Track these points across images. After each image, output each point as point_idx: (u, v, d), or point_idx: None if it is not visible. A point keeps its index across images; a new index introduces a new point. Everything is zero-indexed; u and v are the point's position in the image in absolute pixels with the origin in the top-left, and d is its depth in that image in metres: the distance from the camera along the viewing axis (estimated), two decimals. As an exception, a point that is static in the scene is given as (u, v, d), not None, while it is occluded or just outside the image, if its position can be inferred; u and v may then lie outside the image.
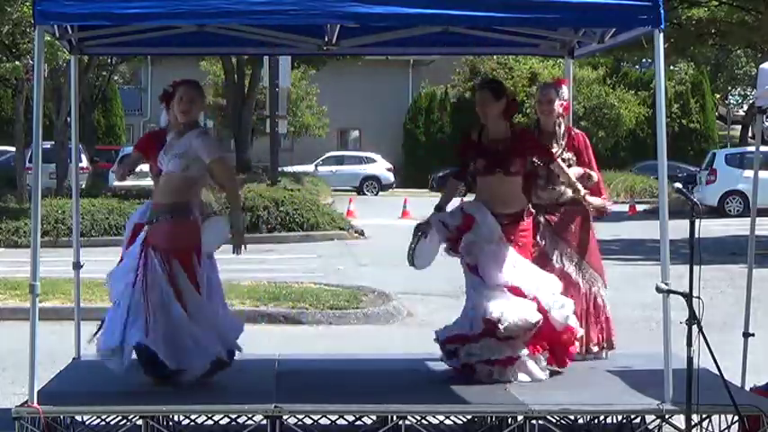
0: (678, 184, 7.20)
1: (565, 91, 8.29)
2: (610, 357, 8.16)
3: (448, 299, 13.79)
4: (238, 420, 7.48)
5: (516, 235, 7.59)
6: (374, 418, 7.39)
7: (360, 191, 46.58)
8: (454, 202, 7.80)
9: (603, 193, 8.37)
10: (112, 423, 7.11)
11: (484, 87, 7.80)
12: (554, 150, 8.16)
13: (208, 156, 7.39)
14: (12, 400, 7.62)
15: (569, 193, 8.14)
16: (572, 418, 7.48)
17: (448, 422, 7.56)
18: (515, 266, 7.50)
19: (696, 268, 6.26)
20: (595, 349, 8.16)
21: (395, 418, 6.79)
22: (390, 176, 48.73)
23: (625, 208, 33.55)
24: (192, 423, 7.60)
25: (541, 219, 8.14)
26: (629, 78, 53.51)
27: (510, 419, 6.66)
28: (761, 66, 8.18)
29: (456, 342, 7.54)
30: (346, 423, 7.60)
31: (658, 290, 6.45)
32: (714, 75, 60.59)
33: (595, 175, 8.27)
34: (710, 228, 23.68)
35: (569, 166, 8.17)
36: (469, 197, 7.77)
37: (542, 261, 8.02)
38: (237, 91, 37.76)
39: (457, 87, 54.27)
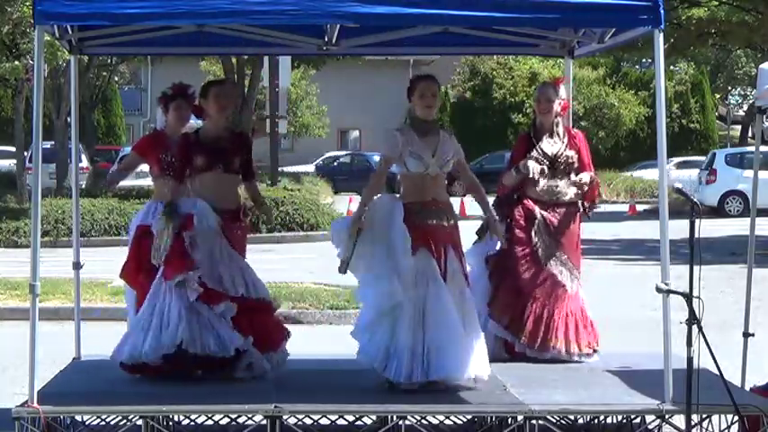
0: (678, 185, 7.22)
1: (563, 90, 8.32)
2: (603, 358, 8.16)
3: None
4: (238, 420, 7.48)
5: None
6: (374, 418, 7.39)
7: (360, 191, 46.47)
8: None
9: (597, 190, 8.45)
10: (112, 423, 7.11)
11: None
12: (557, 147, 8.20)
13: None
14: (12, 400, 7.61)
15: (571, 193, 8.20)
16: (572, 418, 7.48)
17: (448, 422, 7.56)
18: None
19: (696, 268, 6.26)
20: (586, 351, 8.16)
21: (395, 418, 6.80)
22: (390, 176, 48.62)
23: (625, 208, 33.55)
24: (192, 423, 7.60)
25: (538, 215, 8.17)
26: (629, 78, 53.50)
27: (510, 419, 6.65)
28: (761, 66, 8.18)
29: None
30: (346, 423, 7.60)
31: (658, 290, 6.45)
32: (714, 75, 60.60)
33: (593, 176, 8.32)
34: (710, 228, 23.67)
35: (571, 163, 8.23)
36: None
37: (532, 260, 8.12)
38: (237, 92, 37.76)
39: (457, 87, 54.26)
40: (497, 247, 8.16)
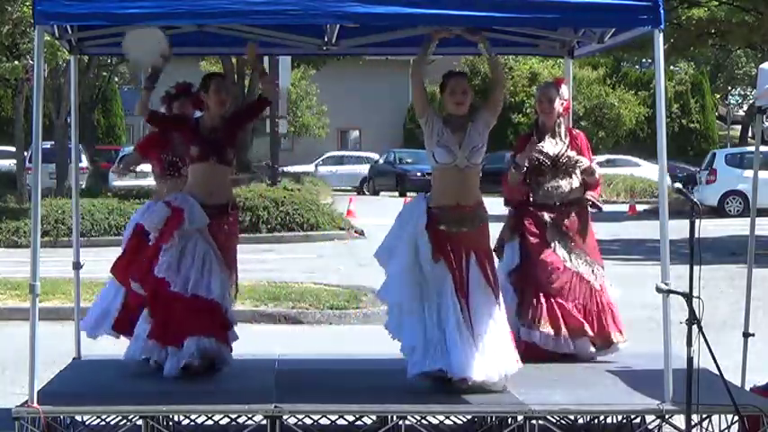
0: (678, 184, 7.22)
1: (565, 90, 8.32)
2: (603, 358, 8.17)
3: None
4: (238, 420, 7.49)
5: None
6: (374, 418, 7.40)
7: (360, 191, 46.51)
8: None
9: (599, 187, 8.46)
10: (112, 423, 7.12)
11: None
12: (558, 148, 8.21)
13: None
14: (12, 400, 7.61)
15: (574, 191, 8.20)
16: (572, 418, 7.48)
17: (448, 422, 7.56)
18: None
19: (696, 268, 6.26)
20: (620, 339, 8.23)
21: (395, 418, 6.80)
22: (390, 176, 48.69)
23: (625, 208, 33.55)
24: (192, 423, 7.60)
25: (547, 218, 8.18)
26: (629, 78, 53.51)
27: (510, 419, 6.66)
28: (761, 66, 8.19)
29: None
30: (346, 423, 7.61)
31: (658, 290, 6.46)
32: (714, 75, 60.61)
33: (593, 166, 8.33)
34: (710, 228, 23.67)
35: (573, 164, 8.23)
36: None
37: (554, 262, 8.14)
38: (237, 91, 37.79)
39: (457, 87, 54.16)
40: (516, 261, 8.19)
